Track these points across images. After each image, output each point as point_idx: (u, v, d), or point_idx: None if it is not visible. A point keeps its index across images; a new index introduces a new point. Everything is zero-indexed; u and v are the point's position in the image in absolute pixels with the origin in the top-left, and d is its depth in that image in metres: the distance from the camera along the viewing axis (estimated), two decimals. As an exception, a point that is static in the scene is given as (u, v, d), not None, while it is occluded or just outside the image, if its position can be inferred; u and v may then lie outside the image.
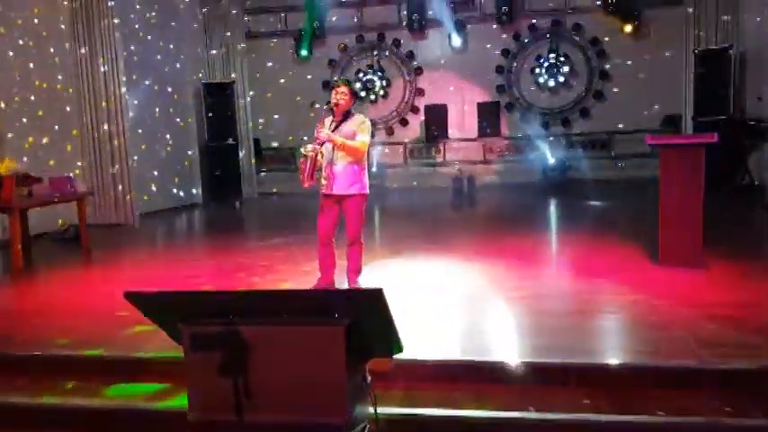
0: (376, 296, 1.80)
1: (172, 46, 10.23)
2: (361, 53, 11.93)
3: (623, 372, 2.97)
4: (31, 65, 7.49)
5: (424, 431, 2.72)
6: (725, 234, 5.54)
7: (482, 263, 5.16)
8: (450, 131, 11.68)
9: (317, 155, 3.99)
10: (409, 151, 11.92)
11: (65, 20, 8.15)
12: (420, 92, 11.80)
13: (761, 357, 2.96)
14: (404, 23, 11.55)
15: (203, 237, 8.54)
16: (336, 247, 4.30)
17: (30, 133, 7.41)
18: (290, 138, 11.81)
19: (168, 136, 10.11)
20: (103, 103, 8.33)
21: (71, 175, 7.06)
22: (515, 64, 11.44)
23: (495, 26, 11.30)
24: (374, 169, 11.19)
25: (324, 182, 4.07)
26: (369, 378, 2.17)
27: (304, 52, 11.75)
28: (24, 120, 7.39)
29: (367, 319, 1.88)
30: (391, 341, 2.06)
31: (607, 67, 11.06)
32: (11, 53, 7.21)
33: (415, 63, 11.73)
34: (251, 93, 11.56)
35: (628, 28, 10.70)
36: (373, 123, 12.83)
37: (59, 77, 7.94)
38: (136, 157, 8.64)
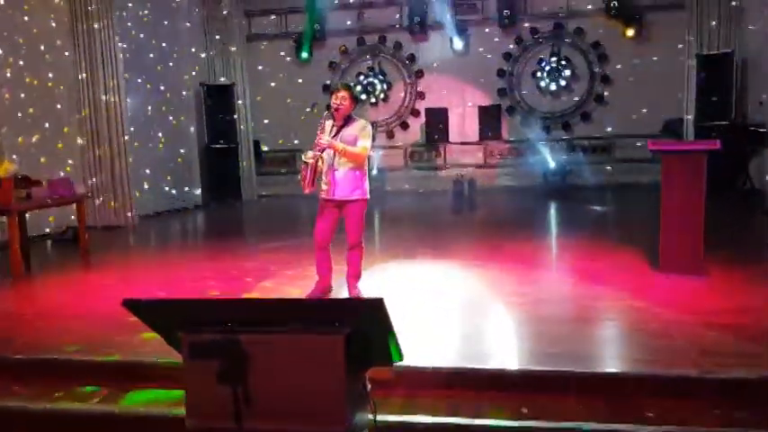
0: (377, 305, 1.79)
1: (172, 47, 10.22)
2: (361, 56, 11.93)
3: (623, 380, 2.96)
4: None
5: (423, 439, 2.71)
6: (726, 240, 5.52)
7: (482, 267, 5.15)
8: (450, 135, 11.67)
9: (317, 161, 3.98)
10: (409, 154, 11.92)
11: (57, 18, 8.11)
12: (421, 95, 11.80)
13: (761, 367, 2.94)
14: (405, 26, 11.54)
15: (204, 239, 8.53)
16: (335, 252, 4.29)
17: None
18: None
19: (168, 137, 10.09)
20: (103, 103, 8.32)
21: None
22: (517, 67, 11.44)
23: (496, 29, 11.29)
24: (374, 172, 11.18)
25: (324, 187, 4.06)
26: (368, 386, 2.17)
27: (304, 54, 11.74)
28: (19, 114, 7.34)
29: (367, 328, 1.87)
30: (391, 350, 2.05)
31: (608, 71, 11.05)
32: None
33: (415, 66, 11.73)
34: (251, 95, 11.56)
35: (629, 32, 10.69)
36: (373, 126, 12.84)
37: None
38: (131, 159, 8.61)
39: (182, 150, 10.53)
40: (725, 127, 8.62)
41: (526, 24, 11.21)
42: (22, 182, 5.78)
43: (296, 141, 11.68)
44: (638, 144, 10.58)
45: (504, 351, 3.39)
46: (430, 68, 11.60)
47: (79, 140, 8.35)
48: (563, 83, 11.20)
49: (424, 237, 6.88)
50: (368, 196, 4.14)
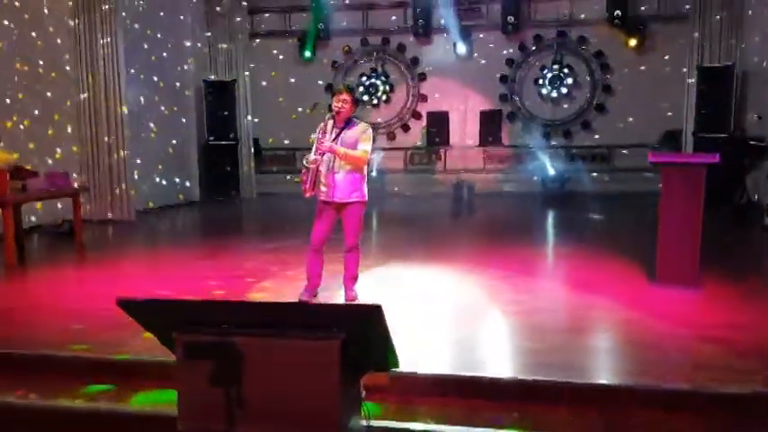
0: (374, 312, 1.79)
1: (172, 41, 10.18)
2: (365, 56, 11.93)
3: (615, 392, 2.96)
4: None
5: (415, 445, 2.70)
6: (722, 254, 5.54)
7: (478, 273, 5.14)
8: (451, 138, 11.68)
9: (318, 166, 3.98)
10: (409, 157, 11.92)
11: (53, 6, 8.03)
12: (423, 98, 11.80)
13: (754, 382, 2.95)
14: (409, 28, 11.54)
15: (201, 236, 8.50)
16: (333, 254, 4.28)
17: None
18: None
19: (166, 132, 10.06)
20: (102, 95, 8.28)
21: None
22: (519, 74, 11.46)
23: (500, 35, 11.30)
24: (374, 174, 11.16)
25: (324, 189, 4.05)
26: (363, 392, 2.16)
27: (308, 53, 11.73)
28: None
29: (364, 334, 1.87)
30: (387, 357, 2.05)
31: (610, 80, 11.08)
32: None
33: (419, 69, 11.74)
34: (252, 92, 11.54)
35: (632, 42, 10.73)
36: (375, 128, 12.82)
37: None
38: (128, 153, 8.55)
39: (180, 146, 10.50)
40: (723, 140, 8.65)
41: (530, 31, 11.23)
42: (18, 173, 5.71)
43: (296, 140, 11.66)
44: (637, 154, 10.62)
45: (499, 359, 3.39)
46: (433, 72, 11.61)
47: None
48: (564, 91, 11.23)
49: (421, 240, 6.88)
50: (366, 198, 4.15)
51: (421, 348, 3.39)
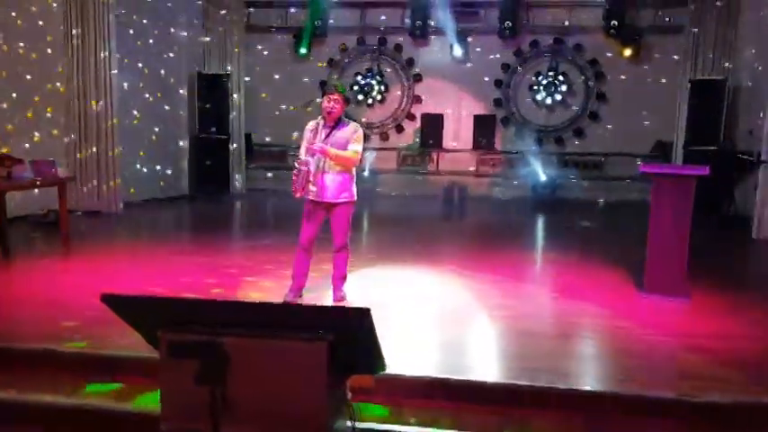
0: (363, 315, 1.77)
1: (166, 33, 10.05)
2: (360, 55, 11.90)
3: (601, 398, 2.98)
4: None
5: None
6: (709, 264, 5.57)
7: (467, 277, 5.15)
8: (444, 141, 11.69)
9: (309, 168, 3.95)
10: (402, 158, 11.91)
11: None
12: (417, 99, 11.80)
13: (737, 392, 2.98)
14: (407, 28, 11.52)
15: (190, 231, 8.42)
16: (322, 254, 4.26)
17: None
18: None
19: (157, 124, 9.93)
20: (92, 84, 8.16)
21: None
22: (514, 79, 11.50)
23: (496, 39, 11.32)
24: (366, 174, 11.15)
25: (313, 189, 4.03)
26: (349, 394, 2.15)
27: (303, 50, 11.67)
28: None
29: (352, 336, 1.85)
30: (375, 360, 2.03)
31: (604, 88, 11.16)
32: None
33: (414, 70, 11.73)
34: (245, 87, 11.46)
35: (627, 52, 10.80)
36: (369, 127, 12.76)
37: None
38: (121, 147, 8.46)
39: (171, 139, 10.39)
40: (713, 152, 8.74)
41: (527, 37, 11.27)
42: (3, 161, 5.58)
43: (289, 137, 11.59)
44: (628, 163, 10.70)
45: (486, 363, 3.39)
46: (428, 73, 11.60)
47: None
48: (559, 97, 11.28)
49: (411, 242, 6.87)
50: (355, 198, 4.14)
51: (408, 350, 3.39)
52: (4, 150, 5.91)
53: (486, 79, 11.41)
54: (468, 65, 11.44)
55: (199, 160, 10.85)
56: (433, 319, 4.10)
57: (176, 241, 7.17)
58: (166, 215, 9.14)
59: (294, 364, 1.84)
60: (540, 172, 10.90)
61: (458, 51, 11.26)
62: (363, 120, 11.61)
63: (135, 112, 9.41)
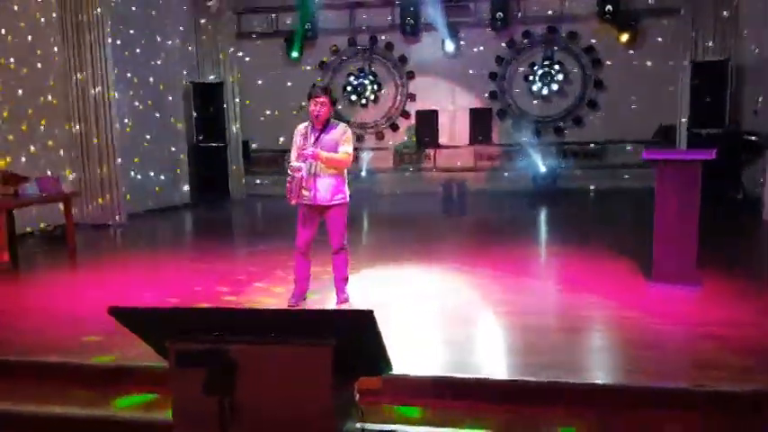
0: (366, 317, 1.77)
1: (161, 43, 10.06)
2: (352, 56, 11.88)
3: (613, 391, 2.94)
4: None
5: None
6: (719, 250, 5.44)
7: (470, 273, 5.12)
8: (440, 137, 11.65)
9: (302, 174, 3.94)
10: (399, 156, 11.88)
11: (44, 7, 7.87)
12: (411, 97, 11.77)
13: (753, 381, 2.93)
14: (397, 26, 11.49)
15: (194, 239, 8.43)
16: (322, 257, 4.25)
17: None
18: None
19: (156, 135, 9.96)
20: (91, 98, 8.19)
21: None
22: (509, 70, 11.45)
23: (489, 32, 11.28)
24: (363, 174, 11.13)
25: (306, 193, 4.02)
26: (357, 396, 2.14)
27: (295, 54, 11.67)
28: None
29: (356, 339, 1.85)
30: (380, 361, 2.03)
31: (602, 75, 11.08)
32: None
33: (407, 67, 11.70)
34: (240, 93, 11.45)
35: (624, 37, 10.72)
36: (363, 127, 12.72)
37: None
38: (120, 160, 8.47)
39: (171, 148, 10.40)
40: (718, 135, 8.59)
41: (519, 27, 11.20)
42: (10, 179, 5.73)
43: (284, 141, 11.59)
44: (629, 149, 10.65)
45: (493, 360, 3.37)
46: (421, 70, 11.56)
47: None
48: (555, 87, 11.22)
49: (411, 240, 6.84)
50: (348, 199, 4.14)
51: (414, 349, 3.37)
52: (1, 164, 5.96)
53: (480, 72, 11.37)
54: (462, 59, 11.40)
55: (198, 168, 10.88)
56: (437, 317, 4.08)
57: (183, 250, 7.18)
58: (170, 224, 9.16)
59: (300, 368, 1.85)
60: (540, 163, 10.86)
61: (450, 46, 11.22)
62: (358, 120, 11.61)
63: (134, 125, 9.40)
